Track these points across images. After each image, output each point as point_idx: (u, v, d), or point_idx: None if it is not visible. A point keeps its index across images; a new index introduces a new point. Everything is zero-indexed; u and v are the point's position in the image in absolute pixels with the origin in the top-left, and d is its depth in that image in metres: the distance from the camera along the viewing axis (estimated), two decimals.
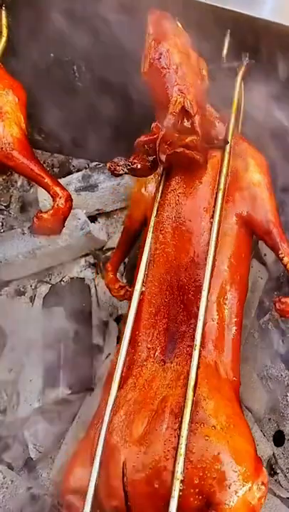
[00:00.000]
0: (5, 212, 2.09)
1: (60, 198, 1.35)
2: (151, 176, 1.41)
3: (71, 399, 1.69)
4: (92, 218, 1.99)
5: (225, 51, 1.50)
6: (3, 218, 2.08)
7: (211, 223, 1.29)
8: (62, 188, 1.36)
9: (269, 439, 1.59)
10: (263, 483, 1.10)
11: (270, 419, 1.61)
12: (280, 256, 1.30)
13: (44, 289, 1.93)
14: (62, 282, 1.94)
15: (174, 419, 1.13)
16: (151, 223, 1.36)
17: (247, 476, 1.08)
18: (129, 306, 1.30)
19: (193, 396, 1.14)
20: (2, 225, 2.07)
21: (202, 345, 1.20)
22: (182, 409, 1.13)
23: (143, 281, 1.32)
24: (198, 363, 1.18)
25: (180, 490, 1.06)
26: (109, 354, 1.76)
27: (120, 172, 1.29)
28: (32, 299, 1.94)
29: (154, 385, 1.21)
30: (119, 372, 1.23)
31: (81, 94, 1.80)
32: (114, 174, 1.29)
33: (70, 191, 1.39)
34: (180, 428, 1.11)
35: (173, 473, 1.08)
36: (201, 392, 1.15)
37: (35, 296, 1.94)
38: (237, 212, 1.33)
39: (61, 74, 1.77)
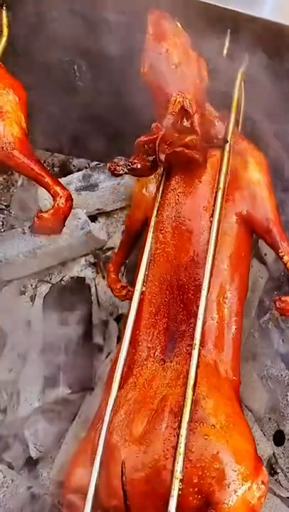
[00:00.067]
0: (5, 212, 2.09)
1: (61, 197, 1.34)
2: (152, 176, 1.41)
3: (71, 398, 1.68)
4: (93, 218, 1.99)
5: (225, 51, 1.50)
6: (3, 218, 2.08)
7: (211, 222, 1.29)
8: (63, 188, 1.36)
9: (269, 439, 1.60)
10: (262, 483, 1.09)
11: (270, 418, 1.61)
12: (280, 255, 1.30)
13: (44, 288, 1.92)
14: (62, 282, 1.93)
15: (173, 419, 1.13)
16: (152, 223, 1.36)
17: (246, 475, 1.07)
18: (130, 306, 1.30)
19: (193, 395, 1.14)
20: (2, 225, 2.07)
21: (202, 344, 1.20)
22: (182, 408, 1.12)
23: (143, 281, 1.32)
24: (198, 362, 1.18)
25: (179, 489, 1.06)
26: (110, 353, 1.76)
27: (120, 172, 1.28)
28: (32, 299, 1.94)
29: (154, 384, 1.21)
30: (119, 372, 1.23)
31: (81, 94, 1.80)
32: (115, 174, 1.29)
33: (71, 191, 1.39)
34: (179, 427, 1.10)
35: (172, 472, 1.07)
36: (201, 391, 1.15)
37: (35, 295, 1.93)
38: (237, 211, 1.33)
39: (61, 73, 1.76)
